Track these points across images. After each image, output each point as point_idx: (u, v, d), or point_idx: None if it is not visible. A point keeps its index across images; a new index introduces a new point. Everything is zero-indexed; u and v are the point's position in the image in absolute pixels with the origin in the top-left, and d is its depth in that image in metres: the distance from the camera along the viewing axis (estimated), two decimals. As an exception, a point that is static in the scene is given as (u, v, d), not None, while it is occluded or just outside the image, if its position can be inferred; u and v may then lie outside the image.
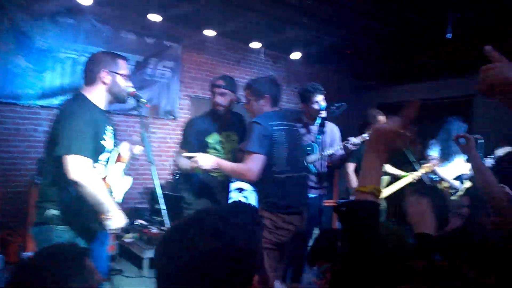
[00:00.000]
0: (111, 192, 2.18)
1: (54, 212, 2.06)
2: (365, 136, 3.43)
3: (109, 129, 2.22)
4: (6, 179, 4.64)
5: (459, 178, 4.31)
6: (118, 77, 2.20)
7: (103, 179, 2.15)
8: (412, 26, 5.73)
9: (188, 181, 5.40)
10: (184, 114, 6.25)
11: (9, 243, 4.07)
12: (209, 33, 5.93)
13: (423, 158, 4.47)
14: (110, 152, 2.23)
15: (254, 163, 2.42)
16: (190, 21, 5.76)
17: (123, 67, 2.24)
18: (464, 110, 6.14)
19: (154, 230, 4.46)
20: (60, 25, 5.06)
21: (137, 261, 4.34)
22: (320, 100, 3.38)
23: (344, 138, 3.54)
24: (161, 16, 5.36)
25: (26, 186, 4.49)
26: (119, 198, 2.31)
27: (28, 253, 3.79)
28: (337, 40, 6.34)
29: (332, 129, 3.56)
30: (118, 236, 4.45)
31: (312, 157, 3.36)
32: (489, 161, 4.04)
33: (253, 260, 0.80)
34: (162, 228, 3.08)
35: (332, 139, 3.52)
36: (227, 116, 3.03)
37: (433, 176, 4.34)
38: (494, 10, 5.06)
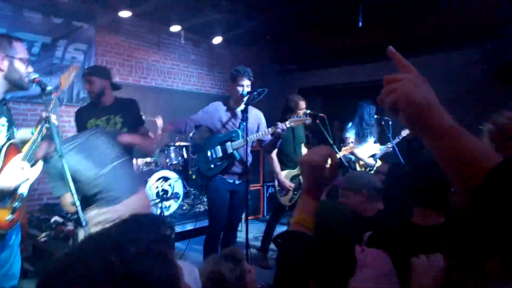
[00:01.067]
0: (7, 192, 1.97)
1: None
2: (292, 120, 3.53)
3: (1, 122, 1.99)
4: None
5: (372, 157, 4.67)
6: (16, 61, 1.98)
7: None
8: (329, 12, 5.95)
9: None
10: (100, 100, 5.87)
11: None
12: (125, 14, 5.58)
13: (341, 140, 4.77)
14: (2, 145, 2.00)
15: None
16: (102, 1, 5.37)
17: (21, 50, 2.02)
18: (378, 94, 6.65)
19: (71, 227, 4.18)
20: None
21: (53, 261, 4.04)
22: (245, 84, 3.39)
23: (267, 122, 3.62)
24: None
25: None
26: (25, 190, 2.08)
27: None
28: (258, 25, 6.39)
29: (257, 115, 3.59)
30: (31, 235, 4.09)
31: (236, 143, 3.38)
32: (393, 141, 4.41)
33: None
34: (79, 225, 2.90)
35: (258, 124, 3.56)
36: (107, 100, 3.09)
37: (350, 156, 4.65)
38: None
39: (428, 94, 0.71)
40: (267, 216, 5.41)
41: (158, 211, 4.64)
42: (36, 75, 2.04)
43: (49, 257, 4.12)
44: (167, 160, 5.21)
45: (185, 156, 5.32)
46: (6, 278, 2.11)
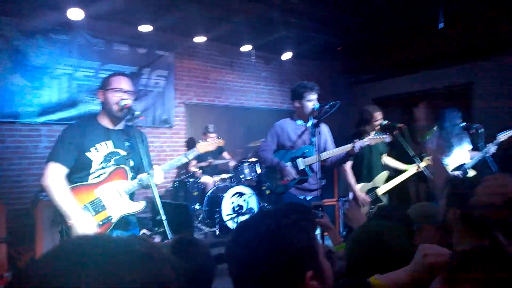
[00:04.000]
0: (98, 204, 2.24)
1: (64, 226, 2.17)
2: (370, 138, 3.41)
3: (104, 144, 2.30)
4: (10, 197, 4.71)
5: (460, 168, 4.21)
6: (108, 92, 2.30)
7: (88, 186, 2.25)
8: (403, 17, 5.72)
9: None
10: (180, 121, 6.33)
11: (17, 260, 4.16)
12: (200, 39, 6.00)
13: (423, 152, 4.43)
14: (104, 167, 2.30)
15: None
16: (180, 29, 5.82)
17: (115, 82, 2.32)
18: (463, 99, 6.12)
19: (158, 239, 4.54)
20: (54, 42, 5.14)
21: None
22: (314, 98, 3.33)
23: (340, 135, 3.50)
24: (152, 26, 5.43)
25: (31, 203, 4.56)
26: (114, 216, 2.29)
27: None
28: (327, 37, 6.38)
29: (324, 129, 3.51)
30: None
31: (308, 160, 3.34)
32: (491, 148, 3.96)
33: (304, 258, 0.87)
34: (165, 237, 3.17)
35: (325, 139, 3.50)
36: None
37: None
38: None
39: None
40: (344, 233, 5.28)
41: (234, 226, 4.86)
42: (126, 102, 2.29)
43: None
44: (241, 176, 5.42)
45: (259, 171, 5.49)
46: None
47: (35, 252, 3.96)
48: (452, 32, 5.83)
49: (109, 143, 2.32)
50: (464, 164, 4.20)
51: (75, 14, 4.73)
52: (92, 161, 2.26)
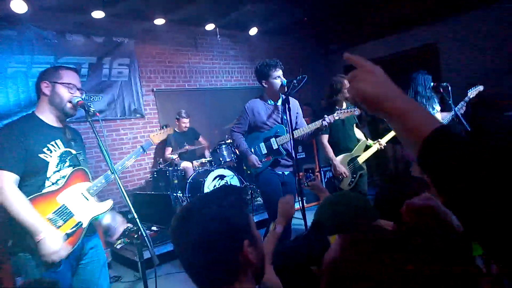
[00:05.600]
0: (64, 211, 2.02)
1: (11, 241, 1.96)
2: (340, 112, 3.44)
3: (57, 144, 2.07)
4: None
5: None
6: (58, 86, 2.06)
7: (48, 195, 1.99)
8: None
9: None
10: (150, 109, 6.07)
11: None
12: (159, 21, 5.69)
13: None
14: (60, 168, 2.07)
15: None
16: (136, 13, 5.49)
17: (67, 76, 2.09)
18: (431, 58, 6.18)
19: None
20: (0, 38, 4.72)
21: (133, 265, 4.27)
22: (280, 74, 3.30)
23: (316, 108, 3.50)
24: (104, 12, 5.07)
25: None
26: (84, 221, 2.10)
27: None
28: (292, 9, 6.23)
29: (294, 105, 3.47)
30: (108, 243, 4.33)
31: (280, 139, 3.34)
32: (462, 105, 4.14)
33: (242, 231, 1.02)
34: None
35: (296, 114, 3.48)
36: None
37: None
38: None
39: (376, 85, 0.78)
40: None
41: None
42: (79, 98, 2.09)
43: (129, 262, 4.36)
44: (221, 159, 5.26)
45: (237, 152, 5.36)
46: None
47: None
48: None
49: (59, 142, 2.09)
50: None
51: (19, 6, 4.33)
52: (48, 163, 2.01)
